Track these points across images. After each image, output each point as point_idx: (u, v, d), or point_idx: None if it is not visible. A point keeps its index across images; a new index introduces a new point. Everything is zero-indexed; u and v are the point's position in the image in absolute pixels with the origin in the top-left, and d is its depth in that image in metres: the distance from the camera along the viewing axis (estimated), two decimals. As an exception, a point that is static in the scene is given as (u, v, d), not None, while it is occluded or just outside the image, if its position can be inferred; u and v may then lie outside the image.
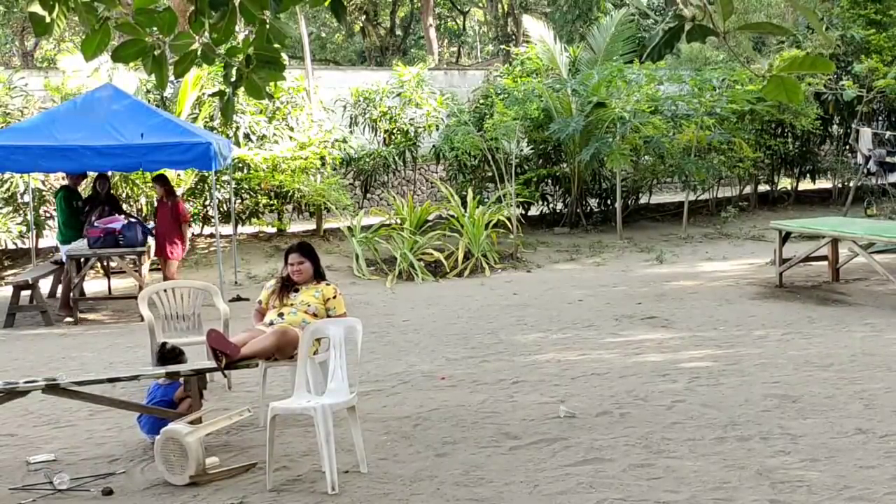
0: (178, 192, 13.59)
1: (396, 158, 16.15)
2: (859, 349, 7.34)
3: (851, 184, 16.50)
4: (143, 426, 5.61)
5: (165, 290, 7.02)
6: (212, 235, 14.15)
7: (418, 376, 7.12)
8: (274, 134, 14.50)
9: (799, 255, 10.54)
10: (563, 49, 16.86)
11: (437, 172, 18.11)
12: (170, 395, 5.63)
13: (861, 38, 16.28)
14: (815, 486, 4.50)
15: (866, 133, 15.72)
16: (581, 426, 5.63)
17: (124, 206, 12.77)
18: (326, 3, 3.75)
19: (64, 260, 10.69)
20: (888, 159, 15.62)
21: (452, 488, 4.71)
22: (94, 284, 12.15)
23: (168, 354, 5.76)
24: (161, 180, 10.92)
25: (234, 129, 13.98)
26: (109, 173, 11.78)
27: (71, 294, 10.41)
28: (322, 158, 14.52)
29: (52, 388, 5.14)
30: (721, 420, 5.62)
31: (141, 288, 9.35)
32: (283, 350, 5.57)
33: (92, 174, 12.54)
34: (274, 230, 15.25)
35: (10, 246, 13.46)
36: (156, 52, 3.58)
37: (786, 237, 10.68)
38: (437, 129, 16.34)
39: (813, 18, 3.40)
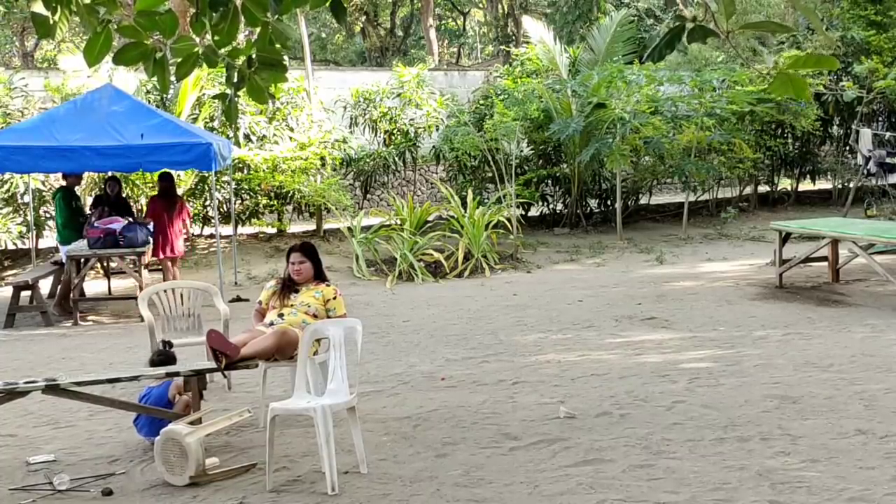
0: (179, 192, 13.62)
1: (396, 159, 16.16)
2: (859, 350, 7.34)
3: (851, 184, 16.50)
4: (141, 428, 5.59)
5: (165, 291, 7.02)
6: (212, 236, 14.16)
7: (418, 377, 7.12)
8: (274, 134, 14.51)
9: (799, 255, 10.54)
10: (563, 50, 16.87)
11: (437, 173, 18.11)
12: (164, 394, 5.62)
13: (861, 38, 16.29)
14: (815, 487, 4.50)
15: (866, 134, 15.72)
16: (581, 427, 5.64)
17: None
18: (327, 4, 3.76)
19: (64, 260, 10.70)
20: (888, 160, 15.62)
21: (452, 489, 4.71)
22: (94, 285, 12.15)
23: (165, 359, 5.76)
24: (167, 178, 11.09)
25: (234, 130, 13.99)
26: (115, 175, 11.82)
27: (70, 294, 10.41)
28: (322, 159, 14.53)
29: (52, 389, 5.14)
30: (721, 421, 5.62)
31: (141, 288, 9.35)
32: (283, 350, 5.57)
33: (93, 174, 12.58)
34: (274, 231, 15.25)
35: (10, 246, 13.46)
36: (157, 55, 3.58)
37: (786, 238, 10.68)
38: (437, 130, 16.35)
39: (813, 18, 3.41)
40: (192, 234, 14.99)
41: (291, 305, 5.83)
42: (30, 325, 10.16)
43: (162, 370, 5.50)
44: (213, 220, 13.37)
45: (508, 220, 14.03)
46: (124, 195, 12.41)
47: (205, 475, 4.92)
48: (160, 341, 6.18)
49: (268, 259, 13.55)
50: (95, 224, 10.44)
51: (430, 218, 14.31)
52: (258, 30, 3.73)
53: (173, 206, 11.07)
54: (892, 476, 4.61)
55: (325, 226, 15.34)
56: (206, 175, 13.32)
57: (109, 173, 11.78)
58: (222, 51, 3.69)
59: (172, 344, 6.05)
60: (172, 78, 3.77)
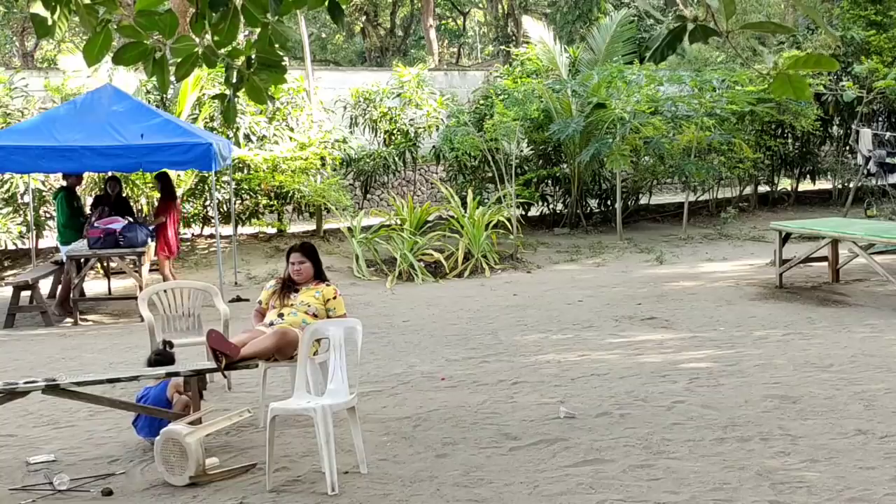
0: (178, 192, 13.63)
1: (396, 159, 16.15)
2: (859, 350, 7.34)
3: (851, 185, 16.50)
4: (141, 429, 5.58)
5: (165, 291, 7.02)
6: (212, 236, 14.15)
7: (418, 377, 7.12)
8: (274, 134, 14.50)
9: (799, 255, 10.54)
10: (563, 50, 16.86)
11: (437, 173, 18.10)
12: (163, 394, 5.62)
13: (861, 38, 16.29)
14: (815, 487, 4.50)
15: (866, 134, 15.72)
16: (581, 427, 5.64)
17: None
18: (325, 5, 3.75)
19: (64, 260, 10.70)
20: (888, 160, 15.61)
21: (452, 489, 4.71)
22: (94, 285, 12.15)
23: (162, 359, 5.76)
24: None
25: (234, 130, 13.99)
26: (116, 175, 11.84)
27: (71, 294, 10.41)
28: (322, 159, 14.52)
29: (52, 389, 5.14)
30: (721, 421, 5.62)
31: (141, 288, 9.36)
32: (283, 351, 5.57)
33: (93, 174, 12.59)
34: (274, 231, 15.24)
35: (10, 246, 13.45)
36: (157, 55, 3.58)
37: (786, 238, 10.68)
38: (438, 130, 16.34)
39: (816, 16, 3.41)
40: (193, 234, 15.03)
41: (291, 305, 5.83)
42: (30, 325, 10.16)
43: (162, 370, 5.50)
44: (213, 220, 13.36)
45: (508, 220, 14.02)
46: (124, 195, 12.41)
47: (205, 475, 4.92)
48: (161, 341, 6.17)
49: (268, 259, 13.54)
50: (95, 224, 10.45)
51: (430, 218, 14.30)
52: (258, 30, 3.73)
53: (174, 205, 11.24)
54: (892, 476, 4.61)
55: (325, 226, 15.33)
56: (206, 175, 13.31)
57: (109, 173, 11.79)
58: (222, 51, 3.69)
59: (173, 344, 6.04)
60: (172, 78, 3.77)
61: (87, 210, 11.70)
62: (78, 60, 13.39)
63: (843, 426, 5.42)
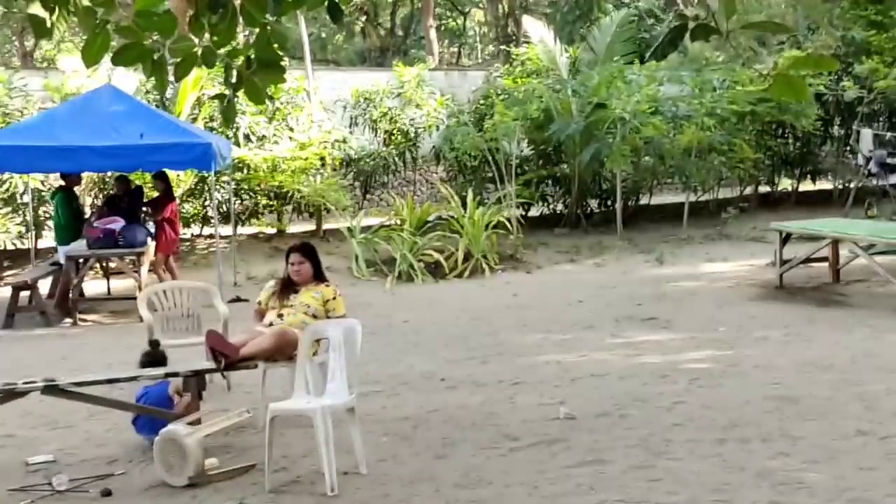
0: (177, 192, 13.62)
1: (396, 159, 16.15)
2: (860, 351, 7.33)
3: (852, 185, 16.48)
4: (141, 428, 5.57)
5: (165, 291, 7.01)
6: (211, 236, 14.14)
7: (418, 377, 7.12)
8: (274, 134, 14.49)
9: (799, 256, 10.52)
10: (564, 50, 16.85)
11: (437, 173, 18.09)
12: (164, 393, 5.60)
13: (862, 39, 16.27)
14: (816, 488, 4.50)
15: (867, 134, 15.71)
16: (581, 428, 5.63)
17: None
18: (325, 5, 3.75)
19: (62, 261, 10.68)
20: (889, 160, 15.60)
21: (452, 490, 4.71)
22: (93, 285, 12.14)
23: (153, 360, 5.75)
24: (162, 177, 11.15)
25: (234, 130, 13.98)
26: (124, 175, 11.85)
27: (69, 295, 10.40)
28: (322, 159, 14.52)
29: (51, 389, 5.13)
30: (721, 421, 5.61)
31: (140, 288, 9.35)
32: (282, 351, 5.56)
33: (93, 174, 12.58)
34: (273, 231, 15.23)
35: (10, 246, 13.45)
36: (155, 56, 3.57)
37: (786, 238, 10.67)
38: (438, 130, 16.33)
39: (818, 15, 3.40)
40: (192, 234, 15.04)
41: (291, 306, 5.82)
42: (29, 325, 10.15)
43: (160, 370, 5.49)
44: (212, 220, 13.35)
45: (508, 220, 14.01)
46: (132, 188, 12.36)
47: (204, 476, 4.92)
48: (148, 342, 6.16)
49: (267, 259, 13.53)
50: (95, 224, 10.44)
51: (430, 218, 14.28)
52: (257, 30, 3.72)
53: (174, 204, 11.32)
54: (892, 477, 4.61)
55: (325, 226, 15.32)
56: (206, 175, 13.31)
57: (115, 173, 11.78)
58: (221, 51, 3.69)
59: (159, 342, 6.02)
60: (171, 78, 3.76)
61: (89, 210, 11.69)
62: (77, 60, 13.34)
63: (843, 427, 5.41)
